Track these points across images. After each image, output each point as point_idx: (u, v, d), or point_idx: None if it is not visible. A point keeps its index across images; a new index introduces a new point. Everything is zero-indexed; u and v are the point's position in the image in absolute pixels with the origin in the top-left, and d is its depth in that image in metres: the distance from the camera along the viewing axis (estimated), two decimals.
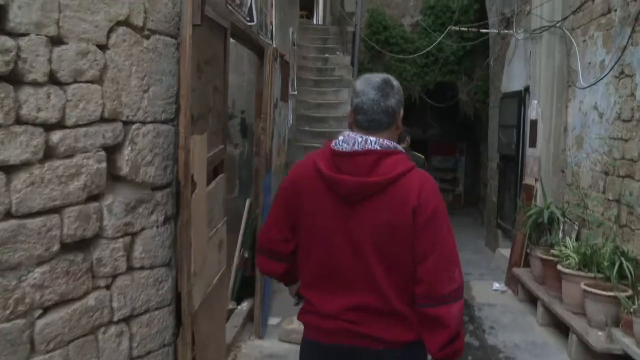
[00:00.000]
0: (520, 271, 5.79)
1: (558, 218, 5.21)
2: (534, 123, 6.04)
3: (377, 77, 1.79)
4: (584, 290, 4.15)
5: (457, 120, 12.20)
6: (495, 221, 8.35)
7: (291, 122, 6.58)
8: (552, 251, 4.80)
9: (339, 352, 1.79)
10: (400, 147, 1.80)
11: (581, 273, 4.35)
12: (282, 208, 1.90)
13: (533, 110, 6.01)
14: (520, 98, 7.44)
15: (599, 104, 4.95)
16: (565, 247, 4.69)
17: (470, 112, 11.47)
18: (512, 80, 7.86)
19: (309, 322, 1.87)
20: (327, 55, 10.08)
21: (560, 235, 5.24)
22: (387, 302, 1.73)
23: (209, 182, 2.85)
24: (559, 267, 4.54)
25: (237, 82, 5.20)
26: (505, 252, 7.38)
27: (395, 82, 1.81)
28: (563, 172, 5.79)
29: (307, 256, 1.84)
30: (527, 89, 7.31)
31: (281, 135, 6.03)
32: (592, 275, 4.28)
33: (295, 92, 6.86)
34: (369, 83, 1.77)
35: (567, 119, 5.76)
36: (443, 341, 1.70)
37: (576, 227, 5.28)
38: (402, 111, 1.83)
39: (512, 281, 6.07)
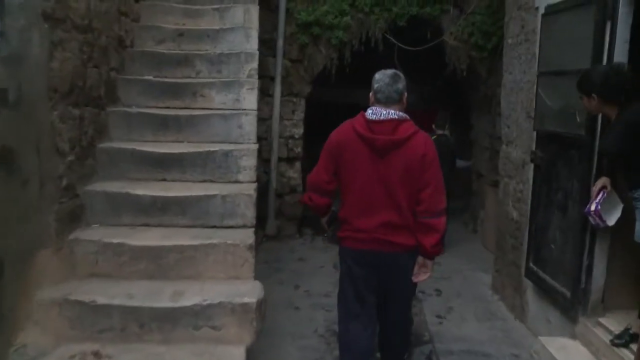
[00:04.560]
0: None
1: None
2: None
3: (389, 71, 2.85)
4: None
5: (439, 76, 7.99)
6: (525, 264, 4.27)
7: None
8: None
9: (369, 253, 2.84)
10: (406, 115, 2.81)
11: None
12: (329, 158, 2.85)
13: None
14: (604, 5, 3.32)
15: None
16: None
17: (463, 64, 7.25)
18: None
19: (347, 236, 2.89)
20: None
21: None
22: (405, 218, 2.78)
23: None
24: None
25: None
26: (560, 352, 3.31)
27: (401, 74, 2.84)
28: None
29: (348, 191, 2.85)
30: None
31: None
32: None
33: None
34: (385, 74, 2.83)
35: None
36: (435, 241, 2.80)
37: None
38: (406, 93, 2.84)
39: None
